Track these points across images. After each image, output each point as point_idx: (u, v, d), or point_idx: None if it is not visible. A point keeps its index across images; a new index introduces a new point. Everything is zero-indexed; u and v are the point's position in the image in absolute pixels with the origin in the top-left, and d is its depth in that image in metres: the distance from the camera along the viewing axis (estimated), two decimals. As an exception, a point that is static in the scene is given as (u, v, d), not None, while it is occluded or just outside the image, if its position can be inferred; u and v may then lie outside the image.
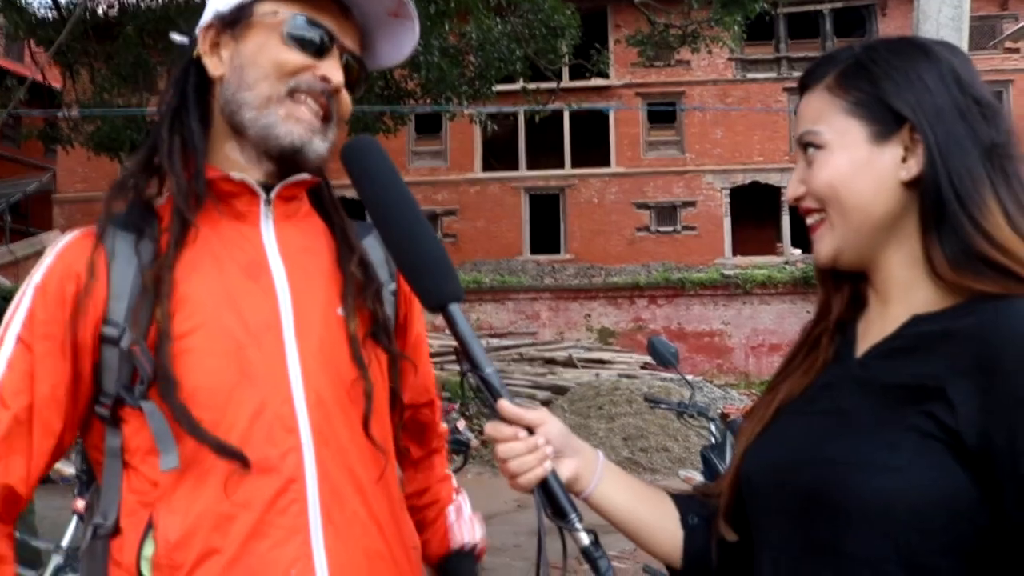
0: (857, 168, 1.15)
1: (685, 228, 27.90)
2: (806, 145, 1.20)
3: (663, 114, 27.44)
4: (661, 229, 27.94)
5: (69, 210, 29.44)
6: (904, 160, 1.13)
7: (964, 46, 2.90)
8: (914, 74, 1.14)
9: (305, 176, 1.43)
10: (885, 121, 1.14)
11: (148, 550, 1.25)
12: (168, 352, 1.27)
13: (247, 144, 1.40)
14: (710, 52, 15.14)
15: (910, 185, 1.13)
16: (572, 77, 22.39)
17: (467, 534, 1.66)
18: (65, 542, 4.39)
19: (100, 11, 13.09)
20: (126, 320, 1.29)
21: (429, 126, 27.57)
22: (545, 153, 28.28)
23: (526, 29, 12.21)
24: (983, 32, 25.83)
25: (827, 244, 1.20)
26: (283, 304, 1.36)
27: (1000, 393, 0.97)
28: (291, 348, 1.34)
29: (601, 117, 26.98)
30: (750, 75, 28.72)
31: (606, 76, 24.78)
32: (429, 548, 1.65)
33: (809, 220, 1.22)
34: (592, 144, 28.10)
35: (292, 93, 1.37)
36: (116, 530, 1.29)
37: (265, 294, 1.36)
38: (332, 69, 1.39)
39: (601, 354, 20.19)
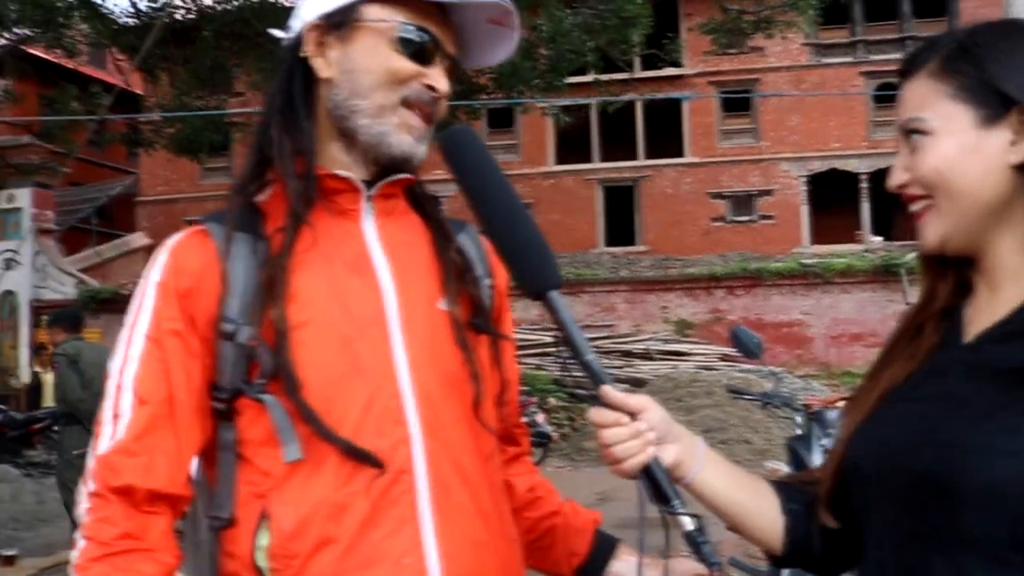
0: (965, 153, 1.13)
1: (762, 217, 27.56)
2: (910, 132, 1.19)
3: (737, 102, 27.14)
4: (737, 219, 27.64)
5: (151, 211, 30.23)
6: (1013, 143, 1.11)
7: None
8: (1021, 56, 1.12)
9: (406, 175, 1.46)
10: (992, 105, 1.12)
11: (263, 540, 1.28)
12: (287, 348, 1.29)
13: (355, 147, 1.42)
14: (784, 37, 14.91)
15: (1020, 169, 1.11)
16: (644, 67, 22.22)
17: (588, 515, 1.64)
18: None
19: (179, 16, 13.36)
20: (242, 316, 1.32)
21: (502, 120, 27.62)
22: (618, 144, 28.17)
23: (597, 20, 12.16)
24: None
25: (935, 231, 1.18)
26: (388, 298, 1.38)
27: None
28: (397, 341, 1.36)
29: (674, 107, 26.77)
30: (825, 60, 28.23)
31: (678, 65, 24.53)
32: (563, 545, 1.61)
33: (914, 207, 1.20)
34: (666, 134, 27.90)
35: (404, 102, 1.40)
36: (231, 522, 1.31)
37: (370, 288, 1.38)
38: (439, 78, 1.42)
39: (679, 346, 20.05)
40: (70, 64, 16.40)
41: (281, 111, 1.43)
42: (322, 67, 1.42)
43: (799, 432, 4.83)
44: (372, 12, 1.40)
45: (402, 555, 1.29)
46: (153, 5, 13.86)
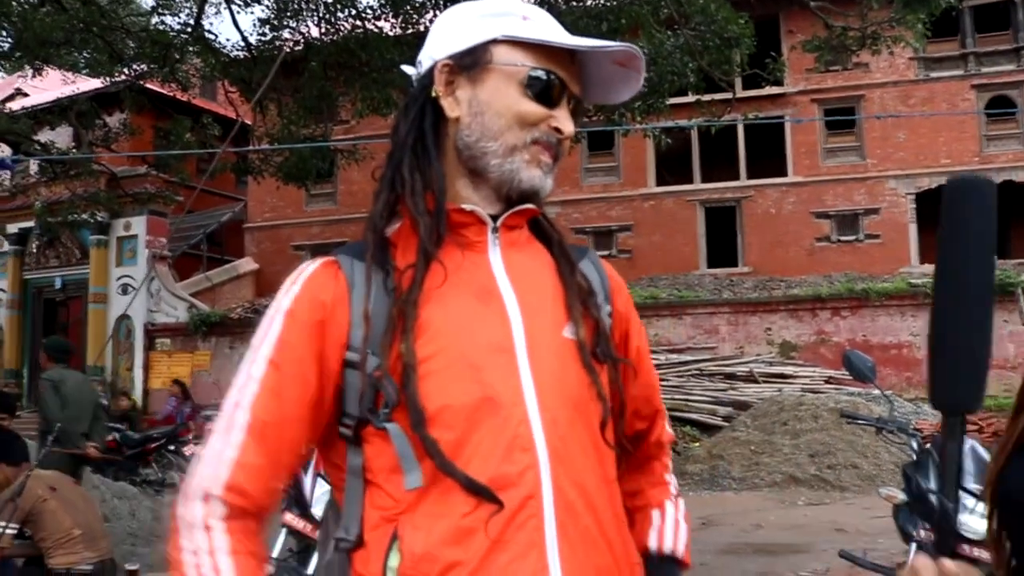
0: None
1: (868, 236, 26.92)
2: None
3: (841, 120, 26.60)
4: (842, 238, 27.06)
5: (259, 237, 31.02)
6: None
7: None
8: None
9: (531, 206, 1.51)
10: None
11: (393, 561, 1.33)
12: (414, 383, 1.34)
13: (484, 184, 1.47)
14: (891, 53, 14.58)
15: None
16: (746, 87, 21.99)
17: (668, 540, 1.66)
18: (275, 553, 4.61)
19: (287, 48, 13.74)
20: (369, 347, 1.38)
21: (602, 142, 27.61)
22: (720, 165, 27.88)
23: (699, 41, 12.06)
24: None
25: None
26: (515, 327, 1.42)
27: None
28: (524, 369, 1.40)
29: (777, 126, 26.40)
30: (934, 74, 27.49)
31: (781, 84, 24.22)
32: None
33: None
34: (768, 154, 27.51)
35: (533, 141, 1.45)
36: (359, 543, 1.37)
37: (498, 318, 1.42)
38: (565, 121, 1.46)
39: (783, 368, 19.70)
40: (184, 97, 16.94)
41: (413, 149, 1.48)
42: (451, 106, 1.47)
43: (914, 457, 4.71)
44: (503, 55, 1.45)
45: None
46: (263, 39, 14.28)
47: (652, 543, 1.65)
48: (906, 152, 26.97)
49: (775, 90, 25.19)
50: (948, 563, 1.07)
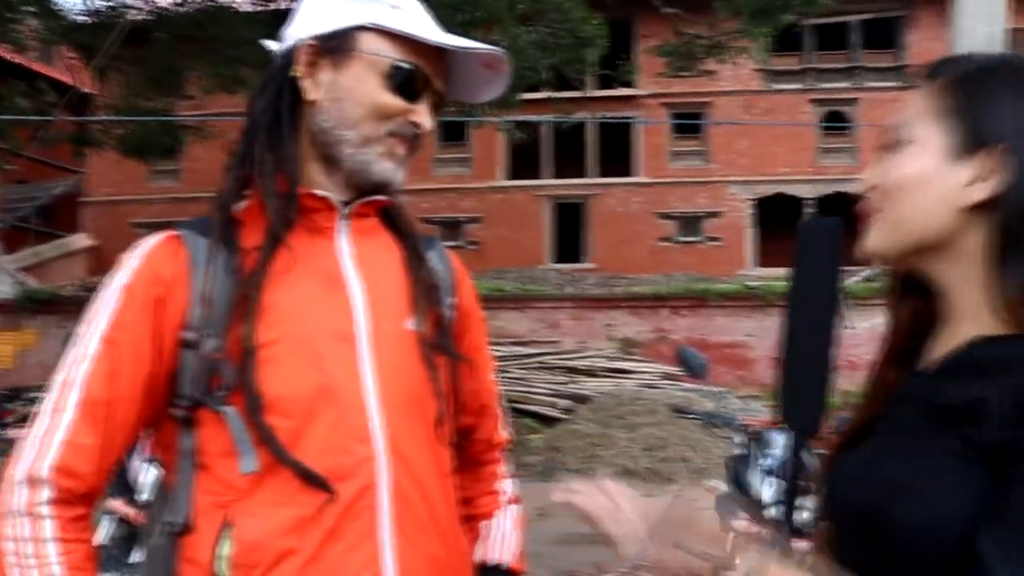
0: (924, 179, 1.10)
1: (709, 239, 27.84)
2: (895, 138, 1.16)
3: (688, 124, 27.41)
4: (684, 239, 27.89)
5: (96, 213, 29.72)
6: (969, 184, 1.08)
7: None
8: (1008, 101, 1.08)
9: (381, 197, 1.50)
10: (966, 140, 1.09)
11: (225, 549, 1.30)
12: (252, 367, 1.32)
13: (336, 171, 1.45)
14: (736, 63, 15.13)
15: (972, 210, 1.08)
16: (598, 86, 22.40)
17: (495, 551, 1.66)
18: (98, 540, 4.44)
19: (133, 16, 13.23)
20: (208, 327, 1.34)
21: (454, 134, 27.62)
22: (569, 162, 28.30)
23: (553, 39, 12.25)
24: (1014, 46, 25.65)
25: (872, 239, 1.16)
26: (358, 316, 1.41)
27: None
28: (365, 360, 1.39)
29: (626, 126, 26.98)
30: (776, 85, 28.64)
31: (631, 85, 24.76)
32: None
33: (865, 211, 1.18)
34: (617, 153, 28.10)
35: (389, 134, 1.43)
36: (188, 529, 1.34)
37: (342, 306, 1.41)
38: (424, 115, 1.45)
39: (623, 363, 20.15)
40: (19, 60, 16.10)
41: (268, 128, 1.44)
42: (311, 89, 1.43)
43: (739, 452, 4.92)
44: (368, 43, 1.42)
45: (361, 569, 1.33)
46: (107, 4, 13.71)
47: (479, 555, 1.64)
48: (747, 159, 28.00)
49: (626, 91, 25.75)
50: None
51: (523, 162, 28.59)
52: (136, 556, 4.43)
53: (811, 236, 1.25)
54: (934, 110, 1.12)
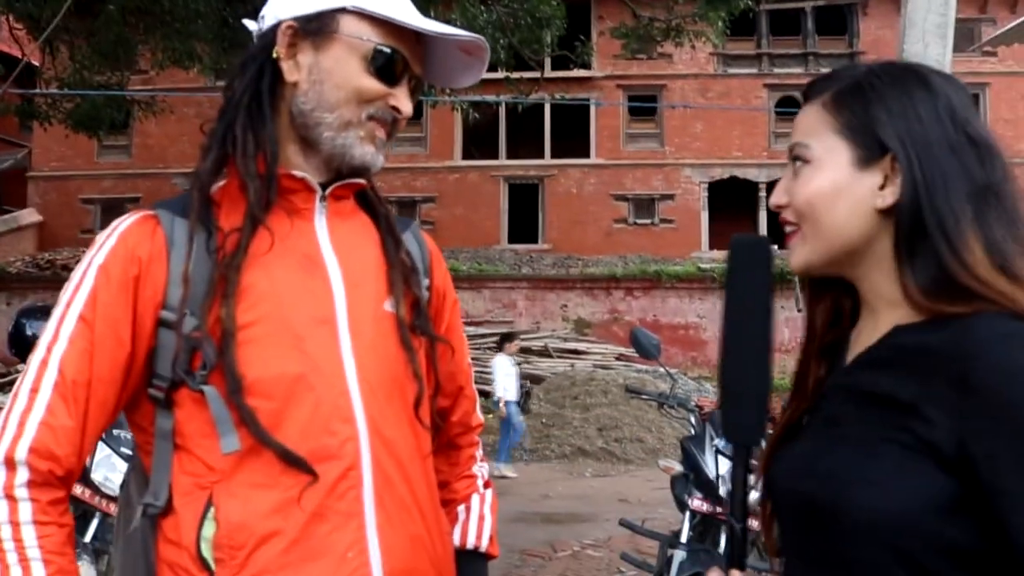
0: (837, 190, 1.17)
1: (663, 221, 28.00)
2: (794, 157, 1.23)
3: (644, 107, 27.51)
4: (639, 221, 28.03)
5: (44, 188, 29.18)
6: (881, 188, 1.15)
7: (948, 54, 2.96)
8: (908, 105, 1.15)
9: (360, 180, 1.50)
10: (870, 148, 1.15)
11: (208, 531, 1.30)
12: (232, 349, 1.31)
13: (314, 154, 1.45)
14: (693, 47, 15.19)
15: (885, 212, 1.15)
16: (554, 67, 22.35)
17: (472, 535, 1.68)
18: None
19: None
20: (187, 307, 1.33)
21: (410, 112, 27.41)
22: (525, 142, 28.29)
23: (511, 18, 12.20)
24: (962, 34, 25.98)
25: (799, 256, 1.23)
26: (338, 298, 1.41)
27: (969, 407, 1.00)
28: (345, 341, 1.40)
29: (582, 108, 27.01)
30: (731, 70, 28.83)
31: (588, 67, 24.78)
32: None
33: (787, 228, 1.25)
34: (572, 135, 28.12)
35: (368, 117, 1.43)
36: (168, 510, 1.33)
37: (321, 288, 1.41)
38: (404, 100, 1.46)
39: (577, 344, 20.28)
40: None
41: (248, 108, 1.43)
42: (291, 71, 1.43)
43: (693, 432, 4.97)
44: (349, 26, 1.42)
45: (346, 549, 1.33)
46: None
47: (457, 539, 1.66)
48: (702, 143, 28.19)
49: (583, 73, 25.76)
50: (737, 574, 1.20)
51: (479, 142, 28.55)
52: (89, 536, 4.40)
53: (743, 252, 1.29)
54: (831, 126, 1.19)
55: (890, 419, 1.06)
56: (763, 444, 1.31)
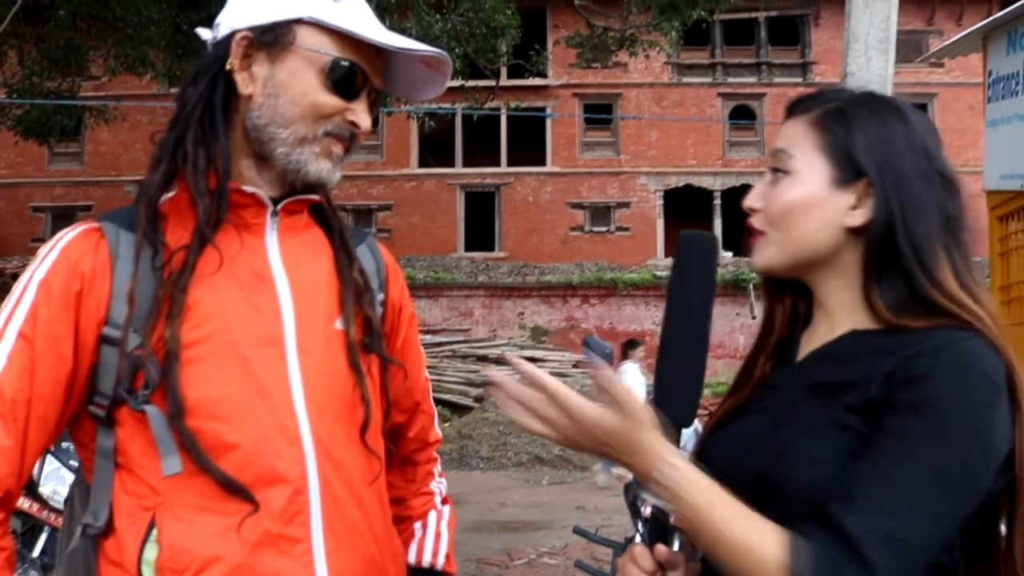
0: (811, 204, 1.24)
1: (619, 229, 28.17)
2: (775, 166, 1.28)
3: (599, 118, 27.67)
4: (595, 229, 28.18)
5: (-7, 195, 28.71)
6: (853, 208, 1.23)
7: (890, 68, 3.02)
8: (887, 135, 1.23)
9: (314, 196, 1.45)
10: (847, 170, 1.23)
11: (150, 553, 1.26)
12: (176, 371, 1.27)
13: (268, 169, 1.40)
14: (647, 56, 15.32)
15: (852, 230, 1.23)
16: (510, 76, 22.43)
17: (428, 553, 1.64)
18: None
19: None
20: (130, 323, 1.29)
21: (366, 120, 27.34)
22: (481, 151, 28.33)
23: (466, 28, 12.24)
24: (910, 46, 26.44)
25: (763, 257, 1.30)
26: (286, 317, 1.37)
27: (899, 382, 1.10)
28: (292, 361, 1.36)
29: (538, 117, 27.10)
30: (686, 79, 29.10)
31: (544, 76, 24.89)
32: None
33: (753, 229, 1.31)
34: (529, 143, 28.21)
35: (326, 134, 1.38)
36: (109, 530, 1.29)
37: (269, 307, 1.37)
38: (362, 114, 1.40)
39: (534, 352, 20.29)
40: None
41: (200, 121, 1.38)
42: (245, 83, 1.38)
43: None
44: (307, 38, 1.36)
45: (293, 574, 1.30)
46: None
47: (412, 557, 1.62)
48: (657, 151, 28.42)
49: (539, 81, 25.88)
50: (661, 548, 1.24)
51: (435, 150, 28.53)
52: (37, 551, 4.34)
53: (691, 247, 1.32)
54: (814, 143, 1.26)
55: (834, 403, 1.15)
56: (695, 427, 1.37)
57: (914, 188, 1.20)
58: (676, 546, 1.28)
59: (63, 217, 26.27)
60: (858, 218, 1.22)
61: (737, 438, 1.28)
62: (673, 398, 1.28)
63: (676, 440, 1.28)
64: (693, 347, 1.28)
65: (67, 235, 1.36)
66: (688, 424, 1.27)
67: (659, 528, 1.28)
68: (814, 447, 1.14)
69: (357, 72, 1.39)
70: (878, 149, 1.22)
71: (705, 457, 1.30)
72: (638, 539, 1.28)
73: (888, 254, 1.20)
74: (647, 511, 4.17)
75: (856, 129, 1.23)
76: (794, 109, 1.32)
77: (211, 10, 12.95)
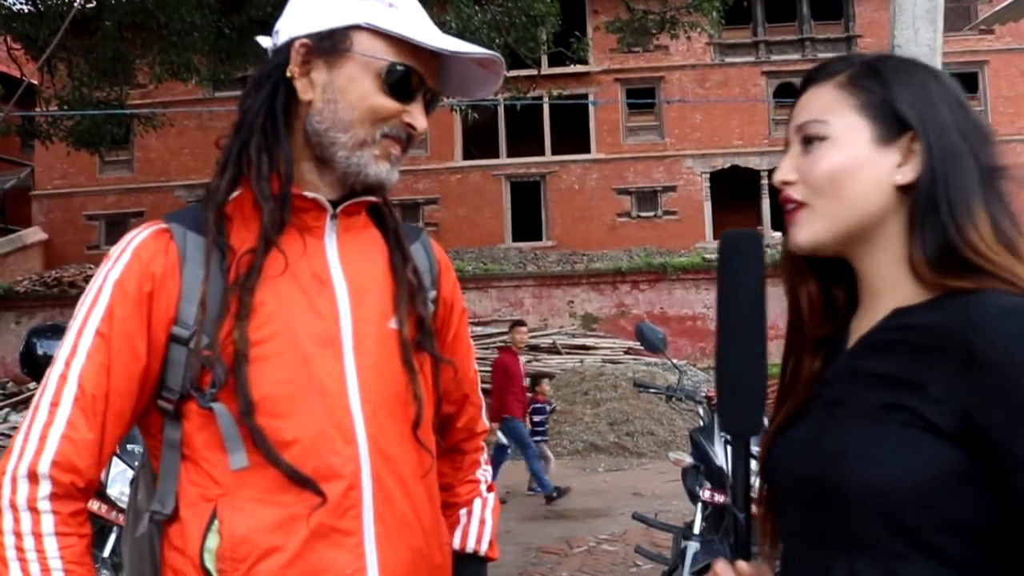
0: (859, 165, 1.19)
1: (666, 213, 27.99)
2: (807, 135, 1.24)
3: (642, 102, 27.49)
4: (642, 214, 28.03)
5: (48, 206, 29.26)
6: (900, 165, 1.18)
7: (939, 38, 2.96)
8: (925, 88, 1.20)
9: (373, 197, 1.50)
10: (890, 126, 1.19)
11: (212, 542, 1.33)
12: (245, 370, 1.34)
13: (329, 172, 1.45)
14: (688, 38, 15.18)
15: (901, 189, 1.18)
16: (551, 64, 22.36)
17: (472, 539, 1.71)
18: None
19: (78, 4, 12.96)
20: (200, 323, 1.35)
21: (409, 115, 27.40)
22: (525, 140, 28.30)
23: (506, 18, 12.22)
24: (959, 14, 25.97)
25: (807, 232, 1.24)
26: (343, 318, 1.43)
27: (974, 381, 1.03)
28: (349, 361, 1.41)
29: (581, 104, 27.01)
30: (728, 59, 28.81)
31: (585, 62, 24.79)
32: None
33: (789, 206, 1.26)
34: (572, 131, 28.12)
35: (384, 136, 1.43)
36: (174, 518, 1.37)
37: (328, 308, 1.42)
38: (419, 116, 1.44)
39: (585, 340, 20.25)
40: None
41: (263, 127, 1.43)
42: (305, 89, 1.42)
43: (702, 423, 4.98)
44: (363, 44, 1.41)
45: (345, 566, 1.36)
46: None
47: (457, 543, 1.69)
48: (702, 133, 28.18)
49: (580, 68, 25.77)
50: (743, 565, 1.22)
51: (479, 142, 28.56)
52: (107, 551, 4.43)
53: (732, 247, 1.31)
54: (850, 104, 1.22)
55: (893, 398, 1.09)
56: (762, 434, 1.33)
57: (952, 138, 1.17)
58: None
59: (116, 224, 26.74)
60: (907, 174, 1.17)
61: (795, 442, 1.23)
62: (738, 410, 1.28)
63: (746, 451, 1.27)
64: (750, 357, 1.27)
65: (138, 236, 1.42)
66: (755, 433, 1.27)
67: (742, 543, 1.28)
68: (870, 444, 1.09)
69: (412, 75, 1.43)
70: (920, 103, 1.19)
71: (769, 468, 1.28)
72: (720, 559, 1.26)
73: (931, 209, 1.16)
74: (705, 495, 4.16)
75: (896, 84, 1.20)
76: (814, 77, 1.28)
77: (252, 13, 13.10)
